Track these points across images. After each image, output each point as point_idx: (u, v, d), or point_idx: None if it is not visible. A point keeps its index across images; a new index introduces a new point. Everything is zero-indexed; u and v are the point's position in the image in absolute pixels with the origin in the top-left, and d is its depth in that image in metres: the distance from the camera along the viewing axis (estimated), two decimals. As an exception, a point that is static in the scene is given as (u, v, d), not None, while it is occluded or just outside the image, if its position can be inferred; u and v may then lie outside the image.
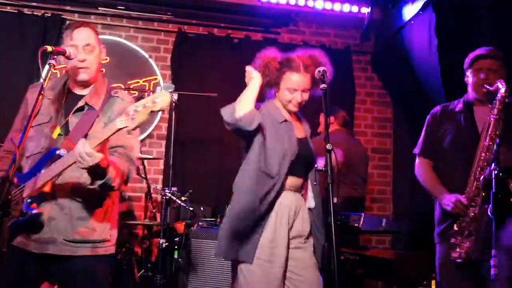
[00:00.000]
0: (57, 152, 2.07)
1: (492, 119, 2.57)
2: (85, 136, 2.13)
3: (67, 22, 5.17)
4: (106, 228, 2.23)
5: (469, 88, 2.83)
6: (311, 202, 2.53)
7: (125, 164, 2.18)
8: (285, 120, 2.52)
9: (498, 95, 2.56)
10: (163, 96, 1.86)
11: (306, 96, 2.52)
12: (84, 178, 2.12)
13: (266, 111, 2.52)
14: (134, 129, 1.90)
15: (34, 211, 2.04)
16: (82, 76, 2.24)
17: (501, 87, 2.55)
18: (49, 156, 2.09)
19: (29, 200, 2.05)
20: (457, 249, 2.57)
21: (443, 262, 2.73)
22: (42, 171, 2.07)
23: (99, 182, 2.07)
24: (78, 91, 2.30)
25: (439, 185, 2.78)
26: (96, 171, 2.01)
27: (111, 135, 1.96)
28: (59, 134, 2.17)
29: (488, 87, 2.63)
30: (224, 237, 2.41)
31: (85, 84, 2.28)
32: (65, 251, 2.12)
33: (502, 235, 2.37)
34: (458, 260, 2.56)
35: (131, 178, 2.25)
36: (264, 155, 2.42)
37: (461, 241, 2.57)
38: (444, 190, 2.73)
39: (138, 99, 1.95)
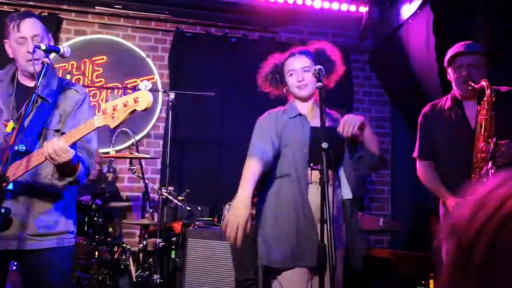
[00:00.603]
0: (16, 147, 2.01)
1: (483, 120, 2.57)
2: (42, 130, 2.13)
3: (64, 21, 5.17)
4: (69, 220, 2.25)
5: (454, 86, 2.83)
6: (346, 193, 2.47)
7: (87, 158, 2.18)
8: (299, 114, 2.50)
9: (485, 95, 2.56)
10: (144, 96, 1.82)
11: (309, 76, 2.47)
12: (43, 174, 2.12)
13: (280, 115, 2.52)
14: (114, 127, 1.88)
15: (2, 210, 2.00)
16: (32, 68, 2.13)
17: (486, 86, 2.55)
18: (6, 153, 2.05)
19: None
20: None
21: None
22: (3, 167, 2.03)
23: (69, 179, 2.07)
24: (28, 83, 2.26)
25: (441, 187, 2.77)
26: (67, 168, 2.01)
27: (87, 134, 1.94)
28: (13, 128, 2.13)
29: (473, 84, 2.63)
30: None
31: (34, 76, 2.20)
32: (30, 246, 2.12)
33: None
34: None
35: (91, 172, 2.28)
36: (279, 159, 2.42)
37: None
38: (446, 191, 2.72)
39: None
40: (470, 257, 0.70)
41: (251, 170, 2.29)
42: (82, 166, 2.09)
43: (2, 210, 2.00)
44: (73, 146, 2.00)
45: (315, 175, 2.33)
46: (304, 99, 2.54)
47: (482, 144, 2.56)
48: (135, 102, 1.82)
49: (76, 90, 2.29)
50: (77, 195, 2.41)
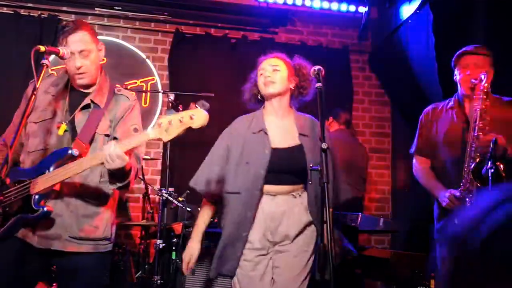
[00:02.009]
0: (69, 151, 2.09)
1: (478, 110, 2.58)
2: (94, 135, 2.17)
3: (64, 22, 5.17)
4: (108, 226, 2.28)
5: (458, 86, 2.84)
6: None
7: (136, 164, 2.23)
8: (261, 130, 2.48)
9: (481, 86, 2.57)
10: (200, 113, 1.88)
11: (276, 74, 2.48)
12: (91, 177, 2.16)
13: (240, 126, 2.55)
14: (167, 141, 1.94)
15: (46, 209, 2.06)
16: (81, 81, 2.26)
17: (483, 78, 2.56)
18: (59, 155, 2.11)
19: (37, 197, 2.07)
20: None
21: (445, 258, 2.71)
22: (52, 169, 2.07)
23: (121, 184, 2.12)
24: (82, 88, 2.31)
25: (435, 182, 2.79)
26: (119, 174, 2.06)
27: (139, 144, 2.03)
28: (65, 131, 2.19)
29: (474, 81, 2.64)
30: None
31: (87, 86, 2.30)
32: (69, 247, 2.16)
33: None
34: None
35: (137, 177, 2.33)
36: (228, 176, 2.47)
37: None
38: (439, 186, 2.74)
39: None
40: (466, 274, 0.68)
41: (203, 213, 2.62)
42: (133, 172, 2.14)
43: (45, 209, 2.06)
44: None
45: (284, 189, 2.40)
46: (268, 98, 2.52)
47: (475, 134, 2.56)
48: (191, 119, 1.88)
49: (127, 97, 2.35)
50: (117, 201, 2.43)
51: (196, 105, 1.90)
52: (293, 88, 2.53)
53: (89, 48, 2.24)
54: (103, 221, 2.25)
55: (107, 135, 2.24)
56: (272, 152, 2.41)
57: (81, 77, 2.23)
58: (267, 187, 2.39)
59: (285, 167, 2.41)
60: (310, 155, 2.42)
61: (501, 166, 2.37)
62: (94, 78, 2.28)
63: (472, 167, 2.51)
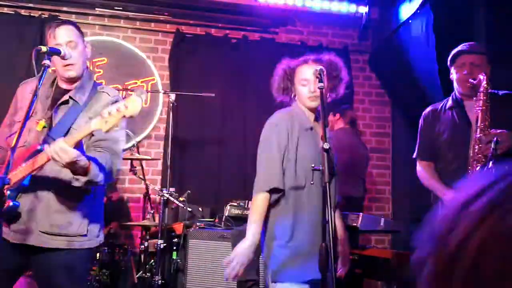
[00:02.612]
0: (39, 147, 2.11)
1: (479, 111, 2.58)
2: (69, 130, 2.18)
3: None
4: (84, 223, 2.24)
5: (455, 85, 2.84)
6: None
7: (108, 158, 2.19)
8: (311, 128, 2.47)
9: (481, 87, 2.57)
10: (134, 102, 1.88)
11: (318, 91, 2.39)
12: (65, 172, 2.14)
13: (295, 115, 2.47)
14: (107, 131, 1.93)
15: (11, 203, 2.08)
16: (70, 73, 2.28)
17: (483, 79, 2.56)
18: (32, 151, 2.13)
19: (9, 192, 2.06)
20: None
21: None
22: (23, 164, 2.09)
23: (83, 179, 2.08)
24: (65, 86, 2.34)
25: (440, 184, 2.77)
26: (74, 168, 2.03)
27: (84, 136, 2.00)
28: (43, 127, 2.20)
29: (472, 81, 2.64)
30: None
31: (73, 80, 2.32)
32: (41, 243, 2.16)
33: None
34: None
35: (118, 171, 2.29)
36: (293, 166, 2.37)
37: None
38: (444, 187, 2.72)
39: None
40: (450, 275, 0.56)
41: (263, 207, 2.30)
42: (95, 166, 2.09)
43: (11, 203, 2.07)
44: (79, 148, 2.02)
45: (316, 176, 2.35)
46: (312, 110, 2.50)
47: (478, 136, 2.56)
48: (126, 108, 1.88)
49: (108, 93, 2.36)
50: (102, 198, 2.40)
51: (133, 93, 1.93)
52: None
53: (76, 40, 2.29)
54: (77, 218, 2.22)
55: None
56: (322, 151, 2.39)
57: (69, 68, 2.26)
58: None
59: (331, 167, 2.36)
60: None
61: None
62: (81, 71, 2.31)
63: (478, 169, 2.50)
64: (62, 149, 1.93)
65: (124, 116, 1.89)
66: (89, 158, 2.07)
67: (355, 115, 4.68)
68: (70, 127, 2.21)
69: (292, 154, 2.38)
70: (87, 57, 2.38)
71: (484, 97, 2.57)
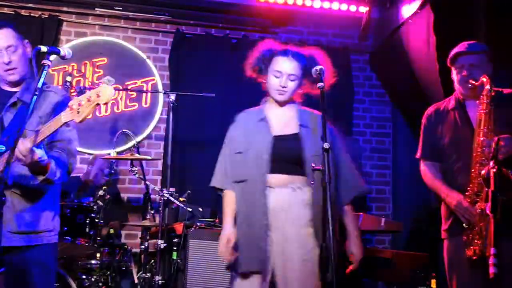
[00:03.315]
0: None
1: (482, 114, 2.57)
2: (21, 131, 2.16)
3: (64, 23, 5.17)
4: (49, 218, 2.31)
5: (456, 85, 2.83)
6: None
7: (65, 157, 2.25)
8: (261, 120, 2.49)
9: (484, 90, 2.56)
10: (105, 89, 1.91)
11: (292, 84, 2.43)
12: (24, 172, 2.17)
13: (243, 118, 2.58)
14: (80, 121, 1.96)
15: None
16: (13, 77, 2.30)
17: (485, 81, 2.55)
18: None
19: None
20: (471, 247, 2.54)
21: (454, 257, 2.70)
22: None
23: (41, 178, 2.13)
24: (9, 88, 2.36)
25: (443, 185, 2.76)
26: (37, 167, 2.08)
27: (56, 129, 2.03)
28: None
29: (473, 82, 2.63)
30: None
31: (17, 83, 2.34)
32: (10, 242, 2.18)
33: None
34: (474, 258, 2.53)
35: (73, 171, 2.34)
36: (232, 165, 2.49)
37: (472, 239, 2.55)
38: (447, 189, 2.71)
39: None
40: None
41: (229, 200, 2.51)
42: (55, 166, 2.16)
43: None
44: (38, 145, 2.06)
45: (280, 179, 2.37)
46: (279, 104, 2.52)
47: (481, 139, 2.55)
48: (98, 96, 1.91)
49: (55, 92, 2.39)
50: (59, 194, 2.47)
51: (102, 82, 1.95)
52: (302, 92, 2.54)
53: (16, 44, 2.30)
54: (43, 214, 2.28)
55: (37, 131, 2.23)
56: (273, 138, 2.41)
57: (11, 72, 2.29)
58: (272, 178, 2.38)
59: (285, 154, 2.39)
60: (309, 145, 2.39)
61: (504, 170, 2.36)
62: (23, 73, 2.33)
63: (483, 173, 2.48)
64: (27, 149, 1.98)
65: (98, 104, 1.92)
66: (50, 158, 2.13)
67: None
68: (24, 127, 2.17)
69: (240, 148, 2.46)
70: (28, 57, 2.38)
71: (487, 100, 2.55)
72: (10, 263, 2.26)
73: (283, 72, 2.42)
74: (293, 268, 2.30)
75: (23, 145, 1.97)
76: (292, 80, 2.43)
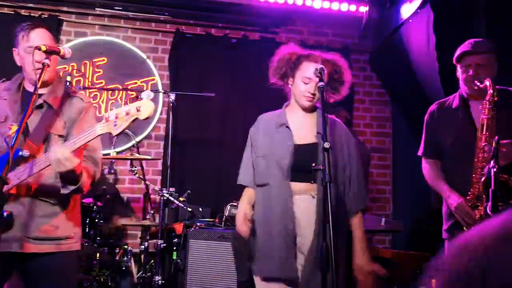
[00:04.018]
0: (20, 153, 2.06)
1: (484, 120, 2.56)
2: (47, 136, 2.16)
3: (64, 23, 5.17)
4: (69, 225, 2.25)
5: (461, 84, 2.81)
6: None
7: (92, 167, 2.22)
8: (283, 125, 2.47)
9: (487, 95, 2.55)
10: (146, 105, 1.88)
11: (316, 91, 2.42)
12: (48, 178, 2.14)
13: (264, 121, 2.56)
14: (116, 135, 1.94)
15: (5, 214, 2.04)
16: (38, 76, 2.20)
17: (489, 86, 2.54)
18: (8, 157, 2.05)
19: None
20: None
21: None
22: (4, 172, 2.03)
23: (72, 188, 2.10)
24: (33, 89, 2.27)
25: (445, 185, 2.75)
26: (70, 176, 2.04)
27: (90, 141, 1.99)
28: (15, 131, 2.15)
29: (478, 84, 2.61)
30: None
31: (44, 84, 2.27)
32: (29, 249, 2.13)
33: None
34: None
35: (96, 180, 2.29)
36: (255, 168, 2.49)
37: None
38: (449, 190, 2.71)
39: (134, 99, 1.96)
40: None
41: (246, 195, 2.56)
42: (85, 175, 2.12)
43: (5, 214, 2.03)
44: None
45: (301, 187, 2.36)
46: (304, 109, 2.50)
47: (483, 144, 2.55)
48: (138, 111, 1.88)
49: (81, 98, 2.34)
50: (80, 200, 2.41)
51: (141, 97, 1.92)
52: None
53: (50, 44, 2.23)
54: (63, 221, 2.23)
55: (61, 136, 2.22)
56: (294, 147, 2.40)
57: (36, 66, 2.19)
58: (294, 186, 2.38)
59: (303, 163, 2.37)
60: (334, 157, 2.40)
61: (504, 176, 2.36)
62: (52, 76, 2.29)
63: (483, 179, 2.48)
64: (66, 158, 1.94)
65: (136, 119, 1.89)
66: (82, 168, 2.09)
67: (348, 114, 4.66)
68: (49, 132, 2.18)
69: (262, 152, 2.46)
70: (57, 60, 2.33)
71: (490, 106, 2.54)
72: (29, 270, 2.20)
73: (313, 79, 2.40)
74: (315, 273, 2.28)
75: (62, 153, 1.93)
76: (320, 87, 2.39)
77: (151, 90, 5.08)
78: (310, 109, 2.50)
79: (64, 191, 2.12)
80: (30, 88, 2.31)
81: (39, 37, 2.23)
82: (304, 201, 2.36)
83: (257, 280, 2.40)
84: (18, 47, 2.27)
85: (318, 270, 2.20)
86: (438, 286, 0.69)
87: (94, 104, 5.01)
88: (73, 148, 1.97)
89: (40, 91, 2.26)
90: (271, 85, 2.57)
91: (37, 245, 2.15)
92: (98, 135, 1.95)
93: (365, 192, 2.58)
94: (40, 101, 2.23)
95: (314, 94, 2.41)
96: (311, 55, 2.46)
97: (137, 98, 1.95)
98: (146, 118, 1.89)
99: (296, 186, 2.37)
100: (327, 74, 2.40)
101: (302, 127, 2.48)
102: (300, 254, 2.32)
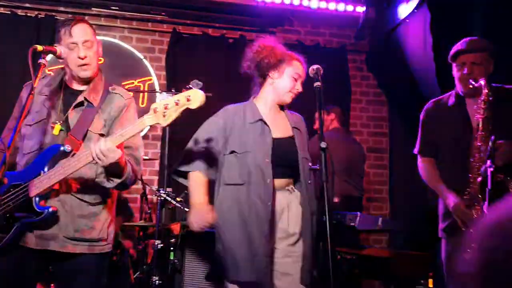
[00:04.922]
0: (62, 148, 2.05)
1: (480, 119, 2.56)
2: (87, 132, 2.14)
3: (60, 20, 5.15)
4: (105, 226, 2.22)
5: (456, 82, 2.82)
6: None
7: (134, 165, 2.18)
8: (259, 120, 2.45)
9: (482, 95, 2.55)
10: (196, 93, 1.87)
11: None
12: (88, 176, 2.12)
13: (234, 115, 2.48)
14: (166, 126, 1.91)
15: (51, 209, 2.03)
16: (85, 73, 2.20)
17: (484, 85, 2.54)
18: (52, 153, 2.07)
19: (37, 199, 2.03)
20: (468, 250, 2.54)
21: (451, 257, 2.70)
22: (46, 168, 2.04)
23: (118, 181, 2.08)
24: (76, 86, 2.26)
25: (441, 184, 2.76)
26: (115, 169, 2.02)
27: (137, 133, 1.97)
28: (60, 130, 2.15)
29: (473, 82, 2.62)
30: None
31: (86, 81, 2.25)
32: (65, 248, 2.12)
33: None
34: None
35: (138, 179, 2.27)
36: (226, 166, 2.42)
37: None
38: (446, 190, 2.71)
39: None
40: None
41: (199, 181, 2.46)
42: (130, 169, 2.10)
43: (50, 210, 2.02)
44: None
45: (280, 183, 2.37)
46: (281, 103, 2.52)
47: (479, 144, 2.55)
48: (188, 100, 1.86)
49: (121, 95, 2.30)
50: (116, 202, 2.37)
51: (190, 86, 1.89)
52: None
53: (92, 40, 2.21)
54: (100, 222, 2.20)
55: (101, 135, 2.18)
56: (272, 141, 2.39)
57: (85, 68, 2.19)
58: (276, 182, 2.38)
59: (285, 158, 2.38)
60: (301, 148, 2.43)
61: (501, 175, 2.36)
62: (95, 72, 2.25)
63: (479, 179, 2.48)
64: (110, 149, 1.91)
65: (187, 109, 1.86)
66: (126, 160, 2.07)
67: (341, 111, 4.66)
68: (88, 129, 2.15)
69: (234, 148, 2.40)
70: (100, 55, 2.32)
71: (485, 106, 2.55)
72: (60, 270, 2.19)
73: (302, 77, 2.45)
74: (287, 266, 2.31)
75: (105, 145, 1.90)
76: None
77: (150, 91, 5.09)
78: (281, 105, 2.52)
79: (109, 184, 2.09)
80: (72, 85, 2.26)
81: (82, 32, 2.17)
82: (285, 197, 2.37)
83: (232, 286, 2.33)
84: (61, 43, 2.19)
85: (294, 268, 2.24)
86: (473, 262, 0.71)
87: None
88: (121, 140, 1.94)
89: (80, 87, 2.25)
90: (243, 73, 2.55)
91: (72, 245, 2.13)
92: (147, 126, 1.92)
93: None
94: (80, 98, 2.20)
95: (299, 92, 2.47)
96: (300, 55, 2.55)
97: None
98: (198, 107, 1.86)
99: (277, 182, 2.37)
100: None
101: (277, 121, 2.48)
102: (277, 258, 2.33)
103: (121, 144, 2.00)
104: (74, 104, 2.19)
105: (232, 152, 2.40)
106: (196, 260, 3.75)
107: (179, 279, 3.84)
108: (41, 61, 2.03)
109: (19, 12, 5.01)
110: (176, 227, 4.09)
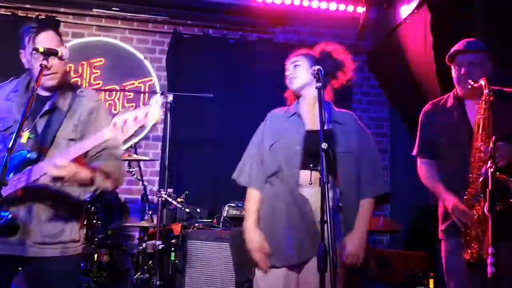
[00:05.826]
0: (28, 155, 2.04)
1: (480, 119, 2.56)
2: (54, 138, 2.12)
3: (62, 24, 5.16)
4: (75, 228, 2.21)
5: (455, 83, 2.81)
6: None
7: (110, 164, 2.17)
8: (294, 114, 2.52)
9: (483, 95, 2.55)
10: (154, 110, 1.87)
11: (298, 70, 2.53)
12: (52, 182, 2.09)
13: (272, 115, 2.59)
14: (124, 141, 1.93)
15: (10, 216, 2.01)
16: (50, 82, 2.16)
17: (484, 85, 2.53)
18: (17, 160, 2.03)
19: None
20: (468, 250, 2.55)
21: (451, 258, 2.70)
22: (11, 175, 2.00)
23: (91, 189, 2.09)
24: (43, 93, 2.21)
25: (440, 186, 2.75)
26: (79, 182, 2.03)
27: (97, 145, 1.96)
28: (28, 138, 2.10)
29: (472, 83, 2.61)
30: None
31: (51, 89, 2.20)
32: (33, 253, 2.09)
33: None
34: (471, 261, 2.53)
35: (124, 174, 2.28)
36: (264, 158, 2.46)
37: (469, 242, 2.55)
38: (445, 192, 2.71)
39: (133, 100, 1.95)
40: None
41: (253, 199, 2.48)
42: (101, 177, 2.09)
43: (9, 216, 2.00)
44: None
45: (315, 176, 2.33)
46: (297, 93, 2.56)
47: (480, 144, 2.55)
48: (145, 116, 1.86)
49: (89, 98, 2.27)
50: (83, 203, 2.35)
51: (150, 102, 1.90)
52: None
53: (58, 47, 2.13)
54: (68, 224, 2.18)
55: (71, 139, 2.15)
56: (306, 133, 2.42)
57: (51, 77, 2.14)
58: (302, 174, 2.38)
59: (315, 149, 2.37)
60: (343, 141, 2.43)
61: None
62: (61, 79, 2.20)
63: (481, 180, 2.47)
64: (61, 166, 1.90)
65: (143, 125, 1.87)
66: (92, 167, 2.06)
67: None
68: (55, 135, 2.13)
69: (272, 141, 2.46)
70: (67, 61, 2.25)
71: (485, 106, 2.54)
72: (33, 274, 2.16)
73: (288, 65, 2.57)
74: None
75: (54, 162, 1.90)
76: (296, 66, 2.56)
77: (151, 92, 5.10)
78: (313, 101, 2.50)
79: (84, 197, 2.11)
80: (39, 91, 2.20)
81: (46, 41, 2.11)
82: (311, 190, 2.35)
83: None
84: (25, 50, 2.16)
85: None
86: None
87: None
88: (79, 153, 1.93)
89: (49, 94, 2.21)
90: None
91: (42, 249, 2.10)
92: (105, 140, 1.91)
93: (379, 179, 2.53)
94: (48, 105, 2.16)
95: (290, 73, 2.55)
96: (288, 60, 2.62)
97: (147, 99, 1.94)
98: (153, 125, 1.88)
99: (303, 174, 2.37)
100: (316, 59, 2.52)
101: (314, 116, 2.45)
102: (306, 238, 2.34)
103: (80, 156, 1.99)
104: (44, 111, 2.15)
105: (271, 144, 2.47)
106: (197, 261, 3.76)
107: (180, 280, 3.84)
108: (43, 62, 2.01)
109: (20, 13, 5.02)
110: (177, 228, 4.10)
